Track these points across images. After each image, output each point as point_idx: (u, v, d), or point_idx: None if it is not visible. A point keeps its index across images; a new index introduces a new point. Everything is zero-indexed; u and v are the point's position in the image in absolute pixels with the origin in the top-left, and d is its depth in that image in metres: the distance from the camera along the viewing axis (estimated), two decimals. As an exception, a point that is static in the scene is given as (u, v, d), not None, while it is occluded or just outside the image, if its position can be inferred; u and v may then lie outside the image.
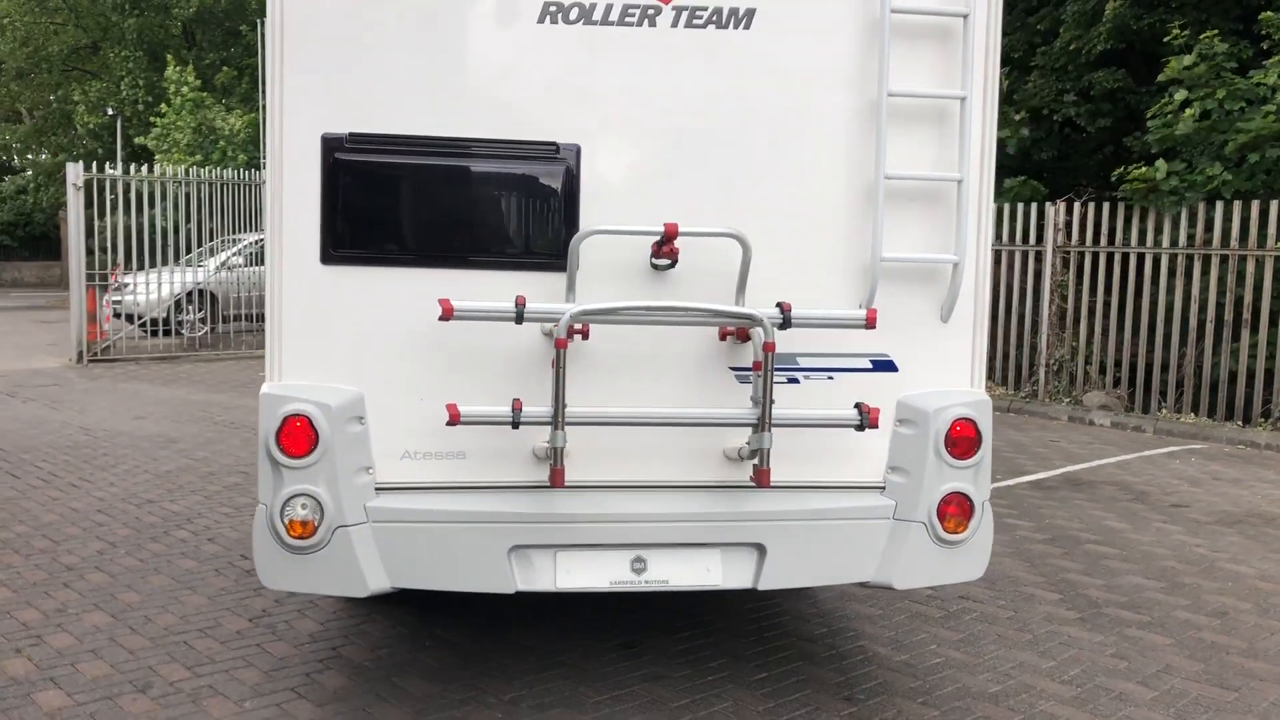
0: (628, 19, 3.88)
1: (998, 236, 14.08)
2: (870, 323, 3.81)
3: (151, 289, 16.69)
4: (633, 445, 3.98)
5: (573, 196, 3.92)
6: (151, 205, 16.53)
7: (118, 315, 16.72)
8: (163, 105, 24.44)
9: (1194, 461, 9.96)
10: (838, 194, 4.02)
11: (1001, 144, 14.71)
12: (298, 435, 3.74)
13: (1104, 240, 12.96)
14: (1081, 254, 13.27)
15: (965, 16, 3.95)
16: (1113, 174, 13.10)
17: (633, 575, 3.99)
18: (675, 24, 3.91)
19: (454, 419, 3.65)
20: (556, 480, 3.69)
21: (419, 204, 3.93)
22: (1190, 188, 12.08)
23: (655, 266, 3.92)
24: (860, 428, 3.86)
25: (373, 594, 3.87)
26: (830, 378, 4.08)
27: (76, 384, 13.74)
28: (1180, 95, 12.17)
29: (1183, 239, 12.20)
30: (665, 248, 3.82)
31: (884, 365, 4.11)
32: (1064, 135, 15.39)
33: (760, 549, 4.04)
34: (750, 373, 3.97)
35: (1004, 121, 14.63)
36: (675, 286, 3.95)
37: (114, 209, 15.98)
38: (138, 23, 31.35)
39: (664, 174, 3.95)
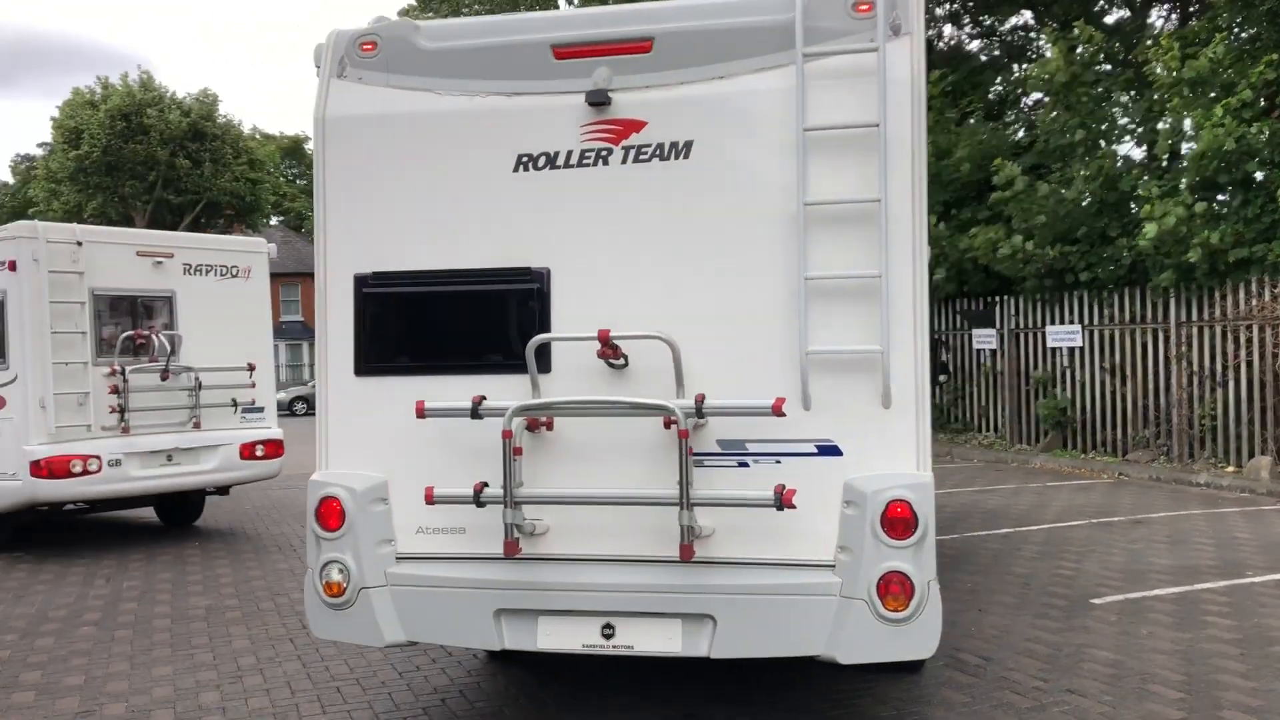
0: (584, 161, 4.59)
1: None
2: (777, 410, 4.16)
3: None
4: (601, 523, 4.53)
5: (544, 311, 4.63)
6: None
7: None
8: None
9: None
10: (772, 294, 4.41)
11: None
12: (331, 513, 4.70)
13: None
14: None
15: (876, 126, 4.25)
16: None
17: (602, 640, 4.52)
18: (625, 161, 4.56)
19: (429, 499, 4.46)
20: (509, 550, 4.36)
21: (426, 324, 4.82)
22: None
23: (612, 366, 4.52)
24: (779, 508, 4.18)
25: (389, 645, 4.70)
26: (778, 461, 4.42)
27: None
28: None
29: None
30: (604, 350, 4.42)
31: (829, 450, 4.38)
32: None
33: (713, 620, 4.42)
34: (703, 456, 4.42)
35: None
36: (628, 383, 4.51)
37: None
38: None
39: (621, 286, 4.56)
